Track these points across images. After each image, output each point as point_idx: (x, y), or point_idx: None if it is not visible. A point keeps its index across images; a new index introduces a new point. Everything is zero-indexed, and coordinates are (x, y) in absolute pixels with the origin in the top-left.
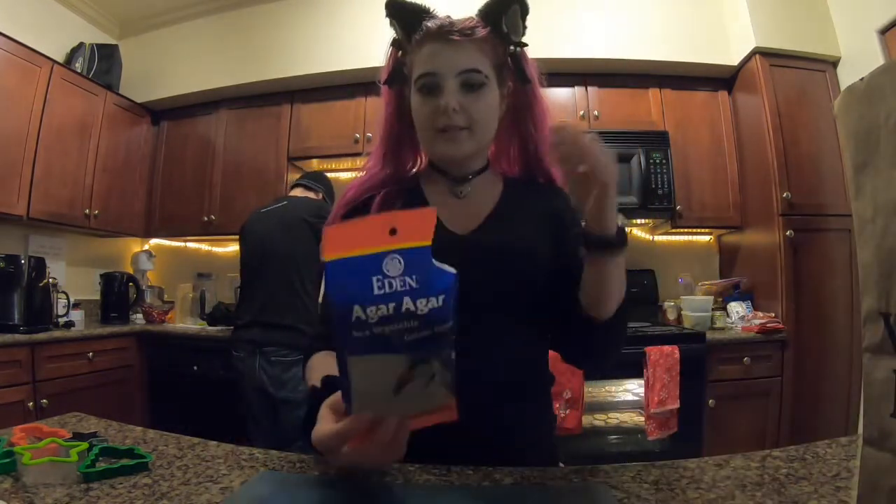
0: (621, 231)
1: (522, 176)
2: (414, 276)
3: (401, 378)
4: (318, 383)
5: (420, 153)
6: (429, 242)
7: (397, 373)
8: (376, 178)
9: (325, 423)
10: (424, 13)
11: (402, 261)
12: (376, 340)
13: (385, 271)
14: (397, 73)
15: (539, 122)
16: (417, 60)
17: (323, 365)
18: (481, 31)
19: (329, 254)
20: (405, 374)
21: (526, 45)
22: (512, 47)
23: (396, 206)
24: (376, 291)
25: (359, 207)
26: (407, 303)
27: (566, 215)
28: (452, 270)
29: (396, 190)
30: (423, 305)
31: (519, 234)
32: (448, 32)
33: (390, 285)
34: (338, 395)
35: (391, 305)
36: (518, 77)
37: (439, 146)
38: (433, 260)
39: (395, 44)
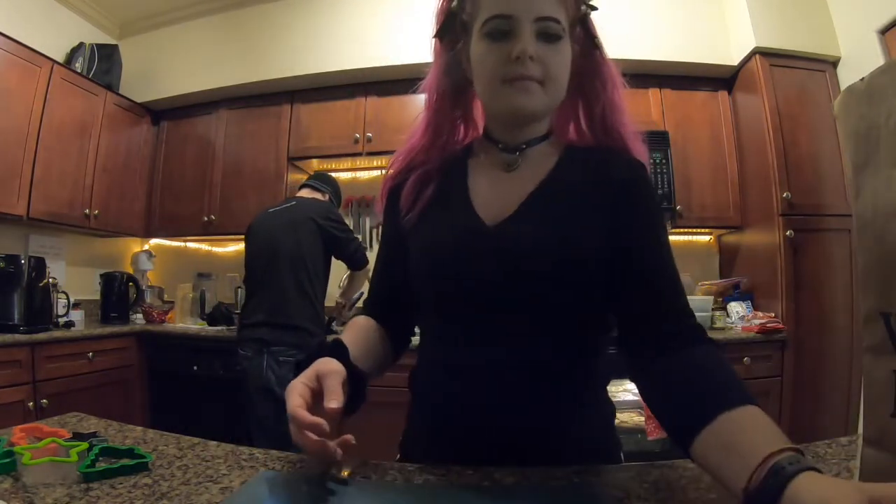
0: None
1: (591, 146)
2: None
3: None
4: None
5: (472, 119)
6: None
7: None
8: (419, 150)
9: (295, 394)
10: None
11: None
12: None
13: None
14: (449, 23)
15: (608, 82)
16: (485, 2)
17: (355, 328)
18: None
19: None
20: None
21: (596, 8)
22: (584, 7)
23: (432, 185)
24: None
25: (401, 185)
26: None
27: (632, 192)
28: None
29: (437, 167)
30: None
31: (559, 223)
32: None
33: None
34: (326, 364)
35: None
36: (587, 41)
37: (506, 97)
38: None
39: None
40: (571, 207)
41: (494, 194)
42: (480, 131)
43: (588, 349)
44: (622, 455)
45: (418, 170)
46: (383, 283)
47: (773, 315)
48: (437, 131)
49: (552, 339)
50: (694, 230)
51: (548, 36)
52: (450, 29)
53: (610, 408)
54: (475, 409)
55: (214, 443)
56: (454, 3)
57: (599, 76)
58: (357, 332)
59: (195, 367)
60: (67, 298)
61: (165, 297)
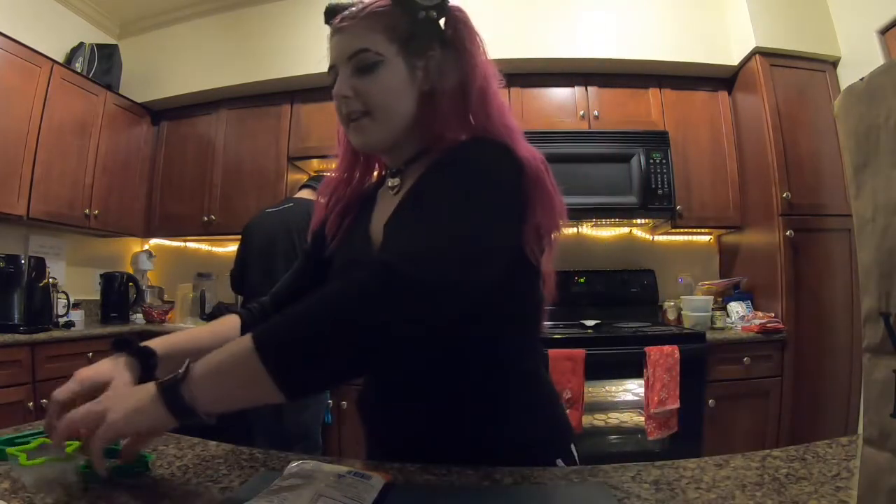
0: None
1: None
2: None
3: None
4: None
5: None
6: None
7: None
8: (338, 183)
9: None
10: (336, 10)
11: None
12: None
13: None
14: None
15: (471, 89)
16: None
17: (214, 327)
18: (375, 6)
19: None
20: None
21: (434, 6)
22: (423, 13)
23: (349, 216)
24: None
25: (329, 216)
26: None
27: (441, 159)
28: None
29: (357, 199)
30: None
31: (405, 226)
32: (338, 21)
33: None
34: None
35: None
36: (439, 43)
37: (351, 137)
38: None
39: None
40: (417, 206)
41: (384, 218)
42: None
43: (482, 344)
44: (574, 449)
45: (340, 203)
46: (288, 288)
47: (773, 315)
48: (347, 167)
49: (456, 347)
50: (694, 230)
51: (361, 69)
52: None
53: (539, 396)
54: (397, 424)
55: (214, 443)
56: None
57: (465, 84)
58: (212, 333)
59: None
60: (67, 298)
61: (165, 297)
